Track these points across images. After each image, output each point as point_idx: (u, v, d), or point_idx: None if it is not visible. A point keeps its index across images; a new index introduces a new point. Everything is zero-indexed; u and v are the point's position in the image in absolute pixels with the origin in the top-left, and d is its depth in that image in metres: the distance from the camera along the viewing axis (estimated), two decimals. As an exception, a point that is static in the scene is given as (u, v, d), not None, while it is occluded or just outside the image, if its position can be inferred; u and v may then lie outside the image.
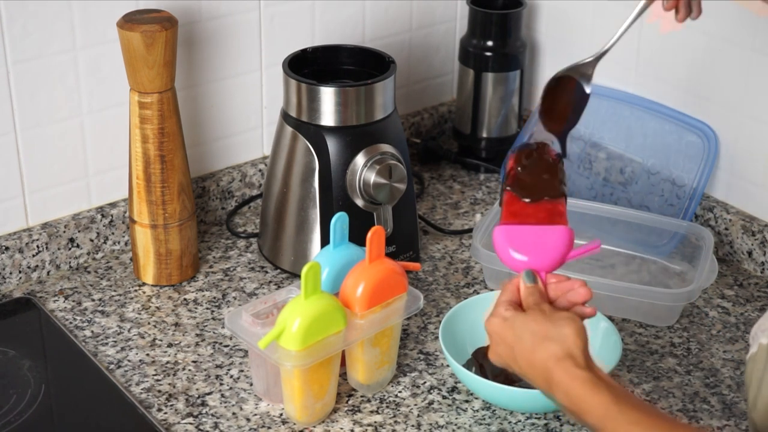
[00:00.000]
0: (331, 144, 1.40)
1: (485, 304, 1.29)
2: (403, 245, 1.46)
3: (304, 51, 1.47)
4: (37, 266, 1.44)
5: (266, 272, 1.48)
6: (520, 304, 1.10)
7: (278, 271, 1.48)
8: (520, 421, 1.23)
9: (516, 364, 1.07)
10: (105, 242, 1.49)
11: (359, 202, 1.41)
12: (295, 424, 1.22)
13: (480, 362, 1.26)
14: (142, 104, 1.36)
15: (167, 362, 1.31)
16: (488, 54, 1.69)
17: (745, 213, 1.52)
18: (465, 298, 1.44)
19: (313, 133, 1.41)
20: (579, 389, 1.00)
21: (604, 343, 1.27)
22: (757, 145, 1.50)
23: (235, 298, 1.43)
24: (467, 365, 1.27)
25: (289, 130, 1.43)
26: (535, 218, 1.15)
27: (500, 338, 1.08)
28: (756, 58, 1.46)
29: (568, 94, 1.18)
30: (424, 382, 1.29)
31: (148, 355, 1.32)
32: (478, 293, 1.45)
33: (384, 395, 1.27)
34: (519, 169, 1.18)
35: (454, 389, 1.28)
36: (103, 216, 1.48)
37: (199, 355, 1.32)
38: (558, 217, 1.15)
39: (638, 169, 1.61)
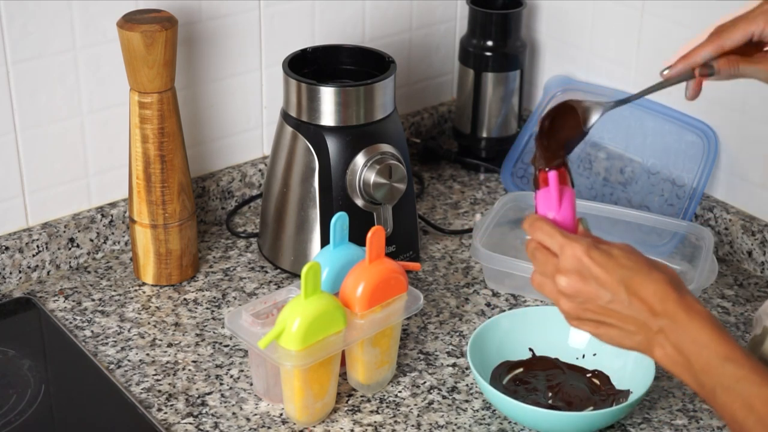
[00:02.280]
0: (331, 144, 1.40)
1: (505, 325, 1.31)
2: (403, 245, 1.46)
3: (304, 51, 1.47)
4: (37, 266, 1.44)
5: (266, 272, 1.48)
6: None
7: (278, 271, 1.48)
8: (520, 421, 1.23)
9: (618, 292, 0.98)
10: (105, 242, 1.49)
11: (359, 202, 1.41)
12: (295, 424, 1.22)
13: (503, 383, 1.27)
14: (142, 104, 1.36)
15: (167, 362, 1.31)
16: (488, 54, 1.69)
17: (745, 213, 1.52)
18: (465, 298, 1.44)
19: (313, 133, 1.41)
20: (703, 329, 0.95)
21: (637, 366, 1.25)
22: (757, 145, 1.50)
23: (235, 298, 1.43)
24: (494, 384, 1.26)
25: (289, 130, 1.43)
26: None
27: (594, 263, 0.99)
28: (756, 58, 1.46)
29: (567, 126, 1.15)
30: (424, 382, 1.29)
31: (148, 355, 1.32)
32: (478, 293, 1.45)
33: (384, 395, 1.27)
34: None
35: (454, 389, 1.28)
36: (103, 216, 1.48)
37: (199, 355, 1.32)
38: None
39: (638, 169, 1.61)
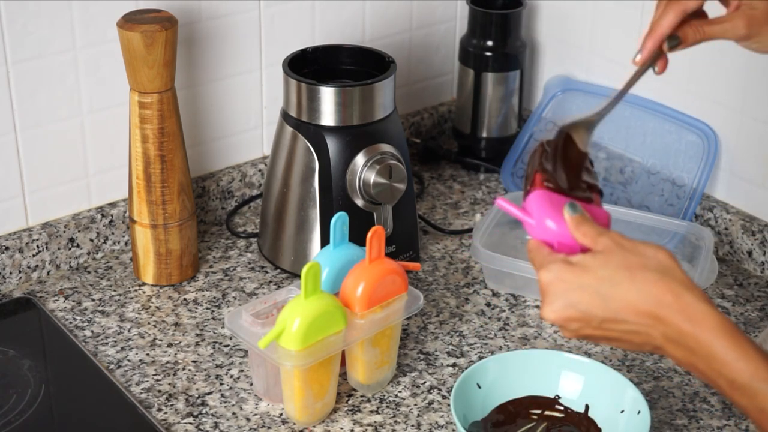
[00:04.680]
0: (331, 144, 1.40)
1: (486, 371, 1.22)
2: (403, 245, 1.46)
3: (304, 51, 1.47)
4: (37, 266, 1.44)
5: (266, 272, 1.48)
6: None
7: (278, 271, 1.48)
8: (520, 421, 1.23)
9: (603, 309, 0.92)
10: (105, 242, 1.49)
11: (359, 202, 1.41)
12: (295, 424, 1.22)
13: None
14: (142, 104, 1.36)
15: (167, 362, 1.31)
16: (488, 54, 1.69)
17: (745, 213, 1.52)
18: (465, 298, 1.44)
19: (313, 133, 1.41)
20: (712, 332, 0.89)
21: (630, 416, 1.17)
22: (757, 145, 1.50)
23: (235, 298, 1.43)
24: None
25: (289, 130, 1.43)
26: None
27: (570, 285, 0.94)
28: (756, 58, 1.46)
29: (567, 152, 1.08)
30: (424, 382, 1.29)
31: (148, 355, 1.32)
32: (478, 293, 1.45)
33: (384, 395, 1.27)
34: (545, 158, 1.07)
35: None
36: (103, 216, 1.48)
37: (199, 355, 1.32)
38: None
39: (638, 169, 1.61)
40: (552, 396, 1.22)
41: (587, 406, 1.21)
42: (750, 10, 1.06)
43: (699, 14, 1.09)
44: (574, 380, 1.22)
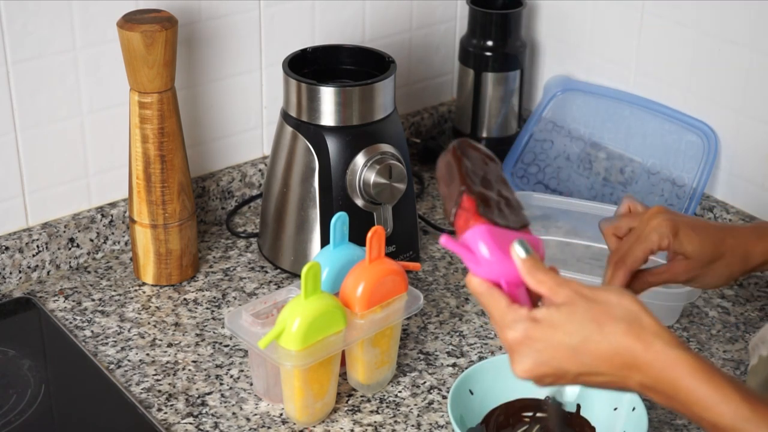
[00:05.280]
0: (331, 144, 1.40)
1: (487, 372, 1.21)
2: (403, 245, 1.46)
3: (304, 51, 1.47)
4: (37, 266, 1.44)
5: (266, 272, 1.48)
6: (525, 302, 0.96)
7: (278, 271, 1.48)
8: (520, 421, 1.23)
9: (576, 364, 0.92)
10: (105, 242, 1.49)
11: (359, 202, 1.41)
12: (295, 424, 1.22)
13: None
14: (142, 104, 1.36)
15: (167, 362, 1.31)
16: (488, 54, 1.69)
17: (745, 213, 1.52)
18: (465, 298, 1.44)
19: (313, 133, 1.41)
20: (689, 377, 0.88)
21: (628, 418, 1.17)
22: (757, 145, 1.50)
23: (235, 298, 1.43)
24: None
25: (289, 130, 1.43)
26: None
27: (540, 344, 0.92)
28: (756, 58, 1.46)
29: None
30: (424, 382, 1.29)
31: (148, 355, 1.32)
32: (478, 293, 1.45)
33: (384, 395, 1.27)
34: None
35: (454, 389, 1.28)
36: (103, 216, 1.48)
37: (199, 355, 1.32)
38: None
39: (638, 169, 1.61)
40: (542, 398, 1.22)
41: (579, 406, 1.20)
42: (684, 261, 1.13)
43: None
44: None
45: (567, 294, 0.93)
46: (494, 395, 1.21)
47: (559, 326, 0.92)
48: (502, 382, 1.21)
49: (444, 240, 0.97)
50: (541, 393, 1.21)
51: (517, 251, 0.95)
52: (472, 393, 1.20)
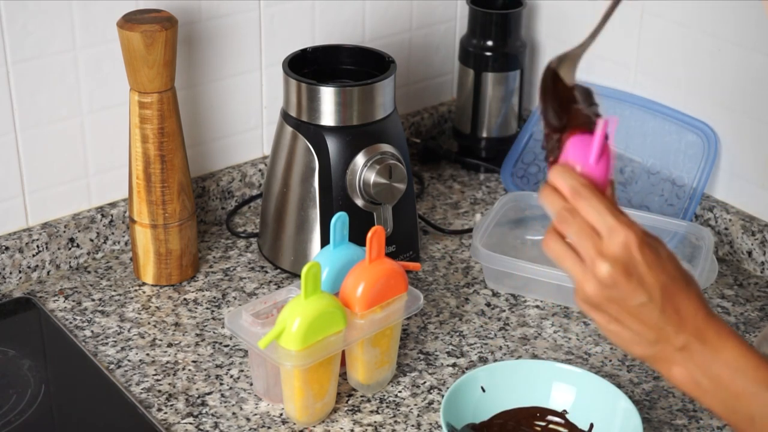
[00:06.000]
0: (331, 144, 1.40)
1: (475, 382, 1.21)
2: (403, 245, 1.46)
3: (304, 51, 1.47)
4: (37, 266, 1.44)
5: (266, 272, 1.48)
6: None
7: (278, 271, 1.48)
8: (520, 421, 1.23)
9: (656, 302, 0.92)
10: (105, 242, 1.49)
11: (359, 202, 1.41)
12: (295, 424, 1.22)
13: None
14: (142, 104, 1.36)
15: (167, 362, 1.31)
16: (488, 54, 1.69)
17: (745, 213, 1.52)
18: (465, 298, 1.44)
19: (313, 133, 1.41)
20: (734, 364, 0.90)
21: (623, 427, 1.17)
22: (757, 145, 1.50)
23: (235, 298, 1.43)
24: None
25: (289, 129, 1.43)
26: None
27: (635, 269, 0.91)
28: (756, 58, 1.46)
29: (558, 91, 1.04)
30: (424, 382, 1.29)
31: (148, 355, 1.32)
32: (478, 293, 1.45)
33: (384, 395, 1.27)
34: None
35: (454, 389, 1.28)
36: (103, 216, 1.48)
37: (199, 355, 1.32)
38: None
39: (638, 169, 1.61)
40: (540, 406, 1.22)
41: (592, 425, 1.20)
42: None
43: None
44: (565, 391, 1.22)
45: (668, 249, 0.94)
46: (492, 404, 1.22)
47: (664, 260, 0.93)
48: (503, 390, 1.22)
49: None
50: (540, 403, 1.22)
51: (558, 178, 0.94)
52: (466, 399, 1.20)
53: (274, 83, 1.58)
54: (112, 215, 1.49)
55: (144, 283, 1.45)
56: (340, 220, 1.25)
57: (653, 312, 0.92)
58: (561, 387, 1.22)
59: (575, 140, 0.96)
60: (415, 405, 1.25)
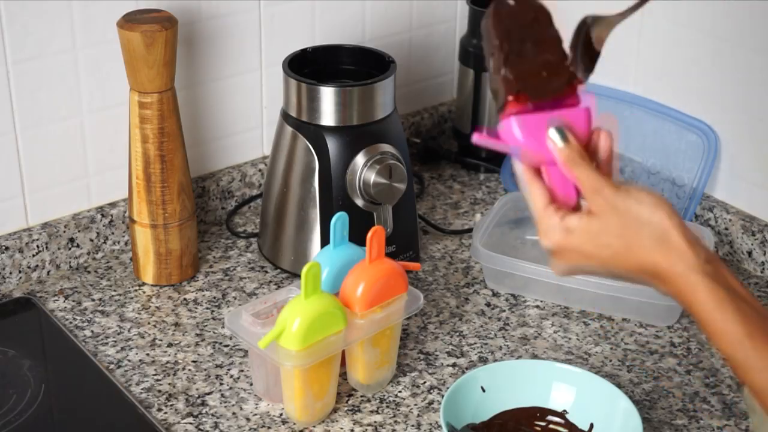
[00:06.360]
0: (331, 144, 1.40)
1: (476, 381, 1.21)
2: (403, 245, 1.46)
3: (304, 51, 1.47)
4: (37, 266, 1.44)
5: (266, 272, 1.48)
6: (564, 199, 0.97)
7: (278, 271, 1.48)
8: (520, 421, 1.23)
9: (606, 272, 0.96)
10: (105, 242, 1.49)
11: (359, 202, 1.41)
12: (295, 424, 1.22)
13: None
14: (142, 104, 1.36)
15: (167, 362, 1.31)
16: (488, 54, 1.69)
17: (745, 213, 1.52)
18: (465, 298, 1.44)
19: (313, 133, 1.41)
20: (703, 306, 0.91)
21: (623, 427, 1.17)
22: (757, 145, 1.50)
23: (235, 298, 1.43)
24: None
25: (289, 130, 1.43)
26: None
27: (572, 254, 0.96)
28: (756, 58, 1.46)
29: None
30: (424, 382, 1.29)
31: (148, 355, 1.32)
32: (478, 293, 1.45)
33: (384, 395, 1.27)
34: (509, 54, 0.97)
35: (454, 389, 1.28)
36: (103, 216, 1.48)
37: (199, 355, 1.32)
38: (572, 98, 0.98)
39: (638, 169, 1.61)
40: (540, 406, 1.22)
41: (591, 425, 1.20)
42: None
43: None
44: (565, 391, 1.22)
45: (600, 205, 0.94)
46: (492, 404, 1.21)
47: (590, 239, 0.95)
48: (503, 389, 1.22)
49: (475, 137, 0.96)
50: (540, 403, 1.22)
51: (553, 139, 0.95)
52: (465, 401, 1.20)
53: (274, 83, 1.58)
54: (112, 215, 1.49)
55: (144, 283, 1.45)
56: (340, 220, 1.25)
57: (619, 277, 0.96)
58: (561, 387, 1.22)
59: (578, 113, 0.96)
60: (415, 405, 1.25)
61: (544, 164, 0.97)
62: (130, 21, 1.33)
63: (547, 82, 0.97)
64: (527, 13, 0.99)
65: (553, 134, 0.94)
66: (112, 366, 1.30)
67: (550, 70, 0.98)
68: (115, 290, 1.44)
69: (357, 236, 1.27)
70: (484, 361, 1.32)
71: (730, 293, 0.91)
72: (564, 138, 0.95)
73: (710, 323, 0.91)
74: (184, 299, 1.42)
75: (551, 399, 1.22)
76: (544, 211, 0.96)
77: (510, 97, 0.95)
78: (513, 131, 0.95)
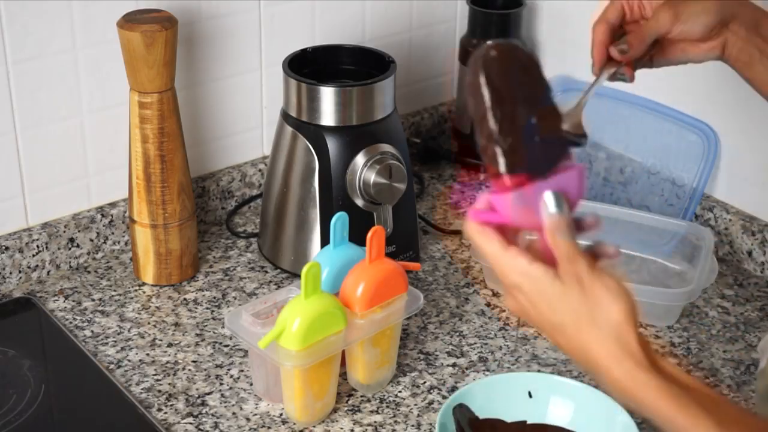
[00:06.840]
0: (331, 144, 1.40)
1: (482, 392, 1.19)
2: (403, 245, 1.46)
3: (304, 51, 1.47)
4: (37, 266, 1.44)
5: (266, 272, 1.48)
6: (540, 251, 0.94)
7: (278, 271, 1.48)
8: (520, 421, 1.23)
9: (552, 336, 0.94)
10: (105, 242, 1.49)
11: (359, 202, 1.41)
12: (295, 424, 1.22)
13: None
14: (142, 104, 1.36)
15: (167, 362, 1.31)
16: (488, 54, 1.68)
17: (745, 213, 1.52)
18: (465, 298, 1.44)
19: (313, 133, 1.41)
20: (656, 402, 0.88)
21: None
22: (757, 145, 1.50)
23: (235, 298, 1.43)
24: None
25: (289, 130, 1.43)
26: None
27: (526, 303, 0.94)
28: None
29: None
30: (424, 382, 1.29)
31: (148, 355, 1.32)
32: (478, 293, 1.45)
33: (384, 395, 1.27)
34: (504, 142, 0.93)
35: (453, 389, 1.28)
36: (103, 216, 1.48)
37: (199, 355, 1.32)
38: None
39: (638, 169, 1.61)
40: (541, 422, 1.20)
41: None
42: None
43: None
44: (563, 406, 1.20)
45: (568, 273, 0.92)
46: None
47: (546, 298, 0.92)
48: (499, 403, 1.20)
49: (472, 215, 0.95)
50: (537, 417, 1.21)
51: (548, 203, 0.93)
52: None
53: (274, 83, 1.58)
54: (112, 215, 1.49)
55: (144, 283, 1.45)
56: (340, 220, 1.25)
57: (561, 348, 0.93)
58: (559, 402, 1.20)
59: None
60: (415, 405, 1.25)
61: (535, 230, 0.95)
62: (130, 21, 1.33)
63: (544, 154, 0.94)
64: (515, 65, 0.94)
65: (548, 199, 0.93)
66: (112, 366, 1.30)
67: (546, 137, 0.94)
68: (115, 290, 1.44)
69: (357, 236, 1.27)
70: (484, 360, 1.32)
71: (683, 389, 0.89)
72: (559, 206, 0.93)
73: (670, 421, 0.88)
74: (184, 299, 1.43)
75: (549, 413, 1.20)
76: (506, 252, 0.94)
77: (506, 177, 0.93)
78: (512, 206, 0.94)
